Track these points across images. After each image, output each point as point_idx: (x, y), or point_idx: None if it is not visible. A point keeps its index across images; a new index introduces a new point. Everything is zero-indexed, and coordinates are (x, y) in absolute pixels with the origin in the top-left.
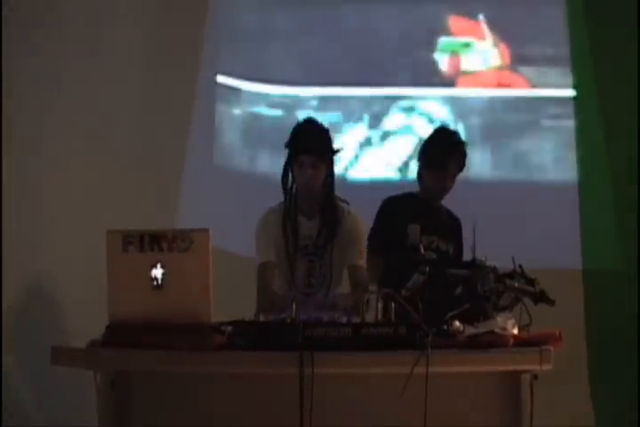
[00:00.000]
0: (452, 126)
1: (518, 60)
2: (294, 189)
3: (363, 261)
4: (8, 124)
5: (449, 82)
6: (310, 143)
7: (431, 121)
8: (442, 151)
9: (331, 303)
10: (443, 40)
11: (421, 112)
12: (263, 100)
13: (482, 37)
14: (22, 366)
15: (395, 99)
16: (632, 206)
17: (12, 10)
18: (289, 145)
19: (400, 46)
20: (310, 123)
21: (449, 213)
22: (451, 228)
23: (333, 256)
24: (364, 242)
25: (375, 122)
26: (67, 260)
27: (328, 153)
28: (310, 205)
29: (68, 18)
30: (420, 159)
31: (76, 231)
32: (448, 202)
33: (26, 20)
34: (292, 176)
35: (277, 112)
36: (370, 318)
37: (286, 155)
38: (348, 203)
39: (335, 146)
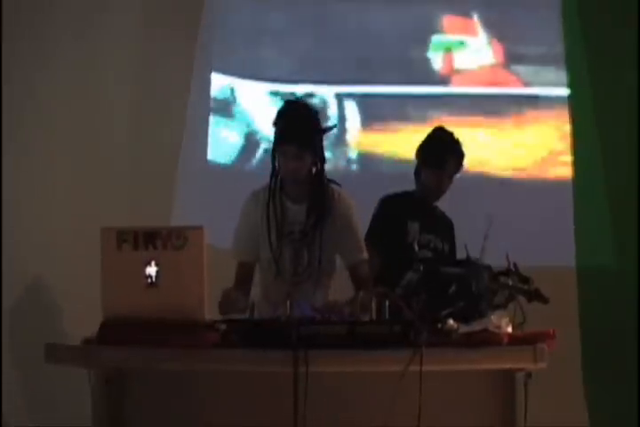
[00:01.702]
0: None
1: (512, 58)
2: (280, 174)
3: (363, 255)
4: (8, 125)
5: (442, 80)
6: (293, 132)
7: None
8: (440, 149)
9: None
10: (436, 38)
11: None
12: (258, 97)
13: (475, 35)
14: (18, 364)
15: (388, 97)
16: (626, 204)
17: (12, 10)
18: (274, 126)
19: (393, 44)
20: (294, 106)
21: (443, 214)
22: (446, 228)
23: (323, 243)
24: (361, 232)
25: (368, 120)
26: (61, 257)
27: (314, 140)
28: (297, 190)
29: (65, 17)
30: (418, 157)
31: (71, 229)
32: (446, 200)
33: (25, 19)
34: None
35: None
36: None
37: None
38: (339, 184)
39: (323, 127)
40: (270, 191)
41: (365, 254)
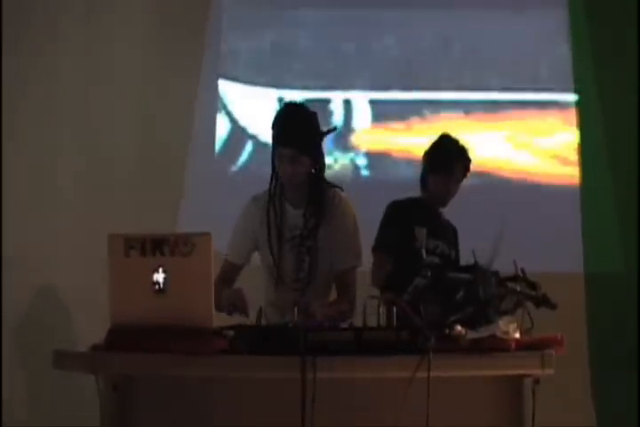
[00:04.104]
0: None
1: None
2: (279, 177)
3: (353, 262)
4: (9, 126)
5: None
6: (289, 135)
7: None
8: (447, 154)
9: (310, 313)
10: None
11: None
12: (266, 102)
13: None
14: (24, 369)
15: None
16: (634, 209)
17: (12, 10)
18: (272, 129)
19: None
20: (292, 109)
21: (448, 221)
22: (451, 234)
23: (324, 248)
24: (358, 238)
25: (377, 123)
26: (68, 263)
27: (310, 144)
28: (297, 194)
29: (68, 18)
30: (425, 163)
31: (79, 234)
32: (452, 205)
33: (25, 19)
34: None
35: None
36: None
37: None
38: (341, 188)
39: (322, 130)
40: (270, 196)
41: (358, 262)
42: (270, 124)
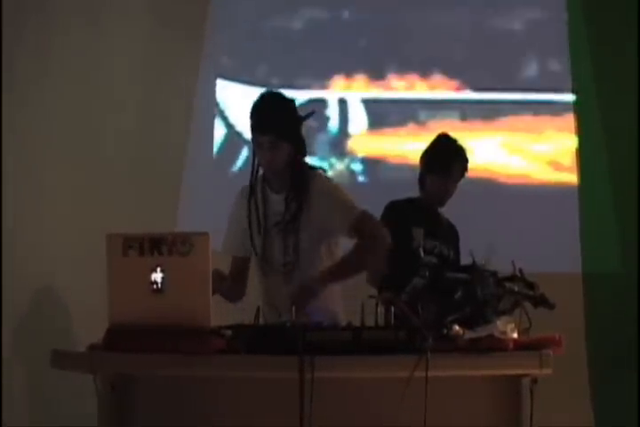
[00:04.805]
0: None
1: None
2: (259, 165)
3: (356, 211)
4: (8, 125)
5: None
6: (266, 122)
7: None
8: (445, 154)
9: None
10: None
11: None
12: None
13: None
14: (23, 368)
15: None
16: (632, 209)
17: (12, 10)
18: (250, 118)
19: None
20: (267, 98)
21: (448, 222)
22: (451, 235)
23: (309, 229)
24: (348, 200)
25: (374, 125)
26: (67, 263)
27: (288, 129)
28: (279, 180)
29: (67, 15)
30: (422, 164)
31: (78, 234)
32: (451, 206)
33: (24, 19)
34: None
35: None
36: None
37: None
38: (324, 169)
39: (300, 116)
40: (251, 184)
41: (358, 213)
42: (248, 115)
